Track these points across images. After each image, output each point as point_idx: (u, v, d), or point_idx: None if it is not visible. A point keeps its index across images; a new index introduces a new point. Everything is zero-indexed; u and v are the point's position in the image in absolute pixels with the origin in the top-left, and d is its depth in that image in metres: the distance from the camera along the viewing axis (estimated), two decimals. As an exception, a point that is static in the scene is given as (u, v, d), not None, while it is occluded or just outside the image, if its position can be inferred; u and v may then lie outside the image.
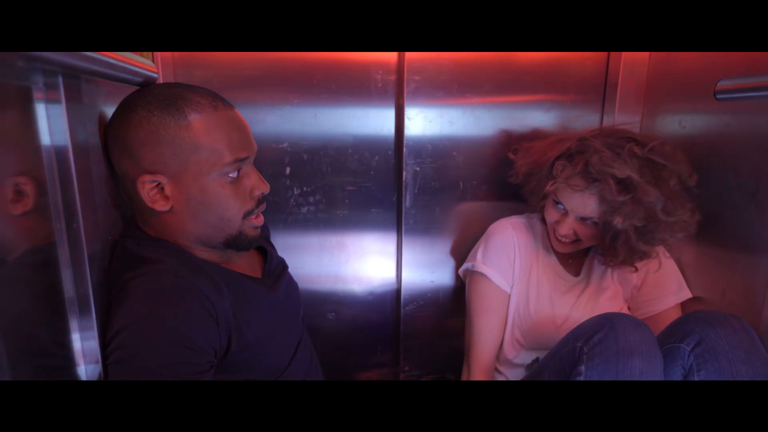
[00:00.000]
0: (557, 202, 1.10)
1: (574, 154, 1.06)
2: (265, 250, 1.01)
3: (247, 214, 0.84)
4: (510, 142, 1.30)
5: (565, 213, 1.09)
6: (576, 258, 1.24)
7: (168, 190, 0.78)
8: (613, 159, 1.00)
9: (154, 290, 0.74)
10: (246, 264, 0.95)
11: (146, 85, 0.92)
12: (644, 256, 1.08)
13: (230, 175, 0.80)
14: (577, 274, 1.23)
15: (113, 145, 0.79)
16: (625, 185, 1.00)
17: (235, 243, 0.85)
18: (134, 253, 0.79)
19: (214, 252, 0.87)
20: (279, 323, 0.92)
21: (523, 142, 1.24)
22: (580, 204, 1.05)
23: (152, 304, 0.72)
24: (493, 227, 1.26)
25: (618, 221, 1.01)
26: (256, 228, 0.86)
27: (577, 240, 1.12)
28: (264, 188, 0.85)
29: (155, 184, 0.78)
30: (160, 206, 0.79)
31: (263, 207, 0.87)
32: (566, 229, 1.09)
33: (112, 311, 0.73)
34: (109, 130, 0.80)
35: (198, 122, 0.77)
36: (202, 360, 0.73)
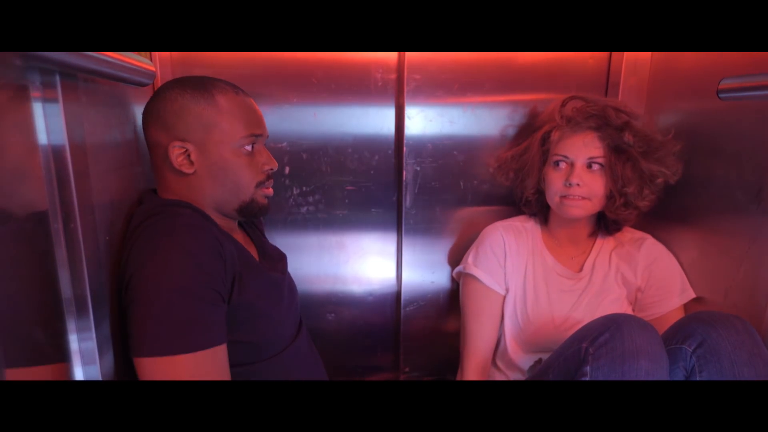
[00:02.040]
0: (558, 162, 1.15)
1: (567, 107, 1.16)
2: (260, 245, 1.08)
3: (259, 184, 0.96)
4: (510, 142, 1.31)
5: (570, 166, 1.13)
6: (578, 256, 1.24)
7: (194, 156, 0.90)
8: (604, 99, 1.16)
9: (172, 225, 0.83)
10: (248, 248, 1.00)
11: (145, 84, 0.97)
12: (652, 180, 1.13)
13: (246, 147, 0.93)
14: (578, 270, 1.22)
15: (149, 120, 0.92)
16: (619, 114, 1.11)
17: (248, 209, 0.97)
18: (150, 210, 0.87)
19: (225, 221, 0.98)
20: (278, 299, 0.99)
21: (499, 153, 1.30)
22: (584, 142, 1.11)
23: (170, 234, 0.81)
24: (484, 230, 1.28)
25: (629, 138, 1.09)
26: (266, 197, 0.99)
27: (587, 198, 1.13)
28: (273, 165, 0.98)
29: (183, 150, 0.90)
30: (186, 169, 0.91)
31: (272, 182, 1.00)
32: (576, 177, 1.11)
33: (129, 246, 0.82)
34: (146, 108, 0.93)
35: (222, 100, 0.91)
36: (218, 287, 0.81)
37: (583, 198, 1.12)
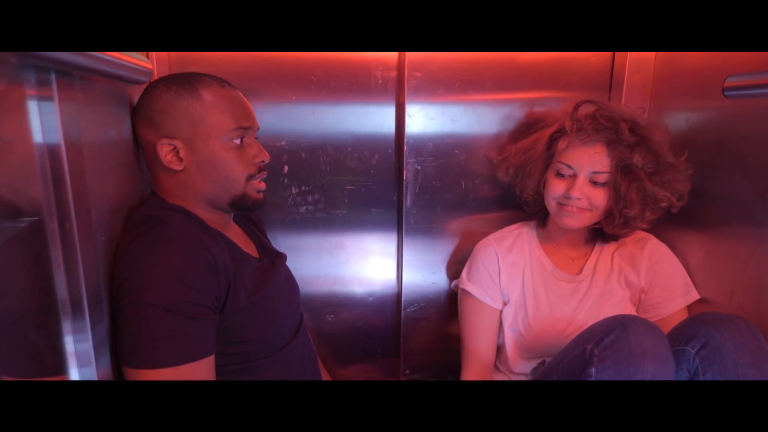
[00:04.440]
0: (561, 174, 1.12)
1: (573, 115, 1.12)
2: (259, 241, 1.09)
3: (249, 177, 0.95)
4: (512, 141, 1.29)
5: (573, 176, 1.10)
6: (578, 258, 1.23)
7: (182, 153, 0.91)
8: (619, 108, 1.10)
9: (161, 238, 0.83)
10: (244, 245, 1.02)
11: (141, 82, 0.96)
12: (656, 205, 1.09)
13: (234, 141, 0.93)
14: (578, 273, 1.21)
15: (138, 119, 0.94)
16: (633, 130, 1.06)
17: (240, 203, 0.96)
18: (145, 214, 0.89)
19: (220, 216, 0.98)
20: (276, 298, 0.99)
21: (503, 144, 1.29)
22: (591, 155, 1.07)
23: (158, 248, 0.81)
24: (477, 245, 1.28)
25: (637, 160, 1.05)
26: (259, 192, 0.98)
27: (588, 210, 1.10)
28: (264, 157, 0.97)
29: (172, 147, 0.91)
30: (175, 166, 0.91)
31: (264, 174, 0.99)
32: (577, 191, 1.08)
33: (119, 257, 0.82)
34: (135, 107, 0.95)
35: (207, 95, 0.91)
36: (206, 301, 0.81)
37: (582, 209, 1.10)
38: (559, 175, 1.12)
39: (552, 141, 1.15)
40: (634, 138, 1.05)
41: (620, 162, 1.06)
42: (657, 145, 1.06)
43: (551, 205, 1.15)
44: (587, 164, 1.07)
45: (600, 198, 1.09)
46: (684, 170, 1.09)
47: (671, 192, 1.09)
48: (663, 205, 1.10)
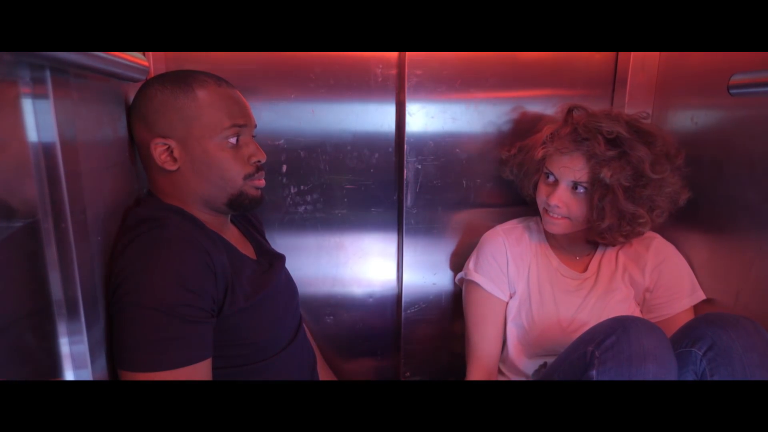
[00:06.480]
0: (548, 175, 1.12)
1: (566, 120, 1.12)
2: (257, 243, 1.09)
3: (247, 177, 0.94)
4: (514, 139, 1.29)
5: (556, 183, 1.10)
6: (582, 256, 1.23)
7: (176, 153, 0.90)
8: (603, 117, 1.05)
9: (158, 240, 0.82)
10: (242, 246, 1.02)
11: (138, 80, 0.96)
12: (633, 220, 1.07)
13: (230, 140, 0.92)
14: (583, 270, 1.21)
15: (134, 117, 0.93)
16: (614, 143, 1.03)
17: (238, 202, 0.95)
18: (142, 215, 0.87)
19: (217, 217, 0.97)
20: (275, 300, 0.99)
21: (518, 142, 1.26)
22: (569, 166, 1.07)
23: (156, 250, 0.80)
24: (485, 235, 1.27)
25: (606, 174, 1.02)
26: (257, 189, 0.97)
27: (567, 218, 1.11)
28: (261, 156, 0.95)
29: (166, 147, 0.90)
30: (169, 166, 0.90)
31: (262, 174, 0.98)
32: (556, 198, 1.09)
33: (116, 259, 0.81)
34: (131, 106, 0.94)
35: (202, 94, 0.90)
36: (204, 304, 0.81)
37: (563, 217, 1.11)
38: (547, 179, 1.13)
39: (543, 145, 1.15)
40: (611, 152, 1.03)
41: (595, 174, 1.05)
42: (636, 160, 1.03)
43: (540, 208, 1.17)
44: (566, 173, 1.08)
45: (577, 207, 1.09)
46: (668, 186, 1.07)
47: (650, 208, 1.07)
48: (641, 221, 1.07)
